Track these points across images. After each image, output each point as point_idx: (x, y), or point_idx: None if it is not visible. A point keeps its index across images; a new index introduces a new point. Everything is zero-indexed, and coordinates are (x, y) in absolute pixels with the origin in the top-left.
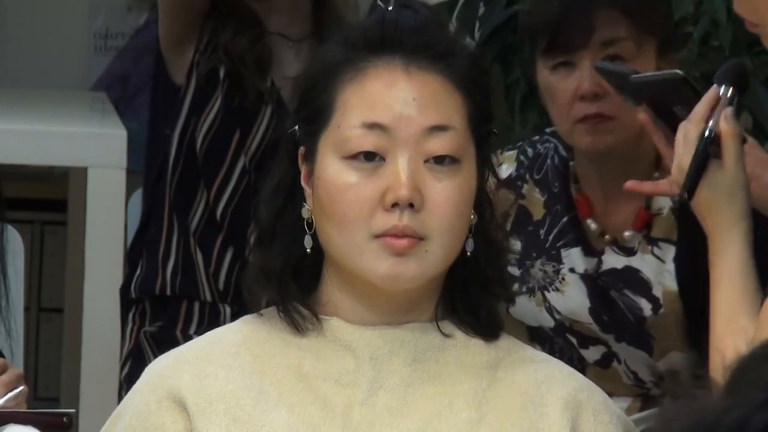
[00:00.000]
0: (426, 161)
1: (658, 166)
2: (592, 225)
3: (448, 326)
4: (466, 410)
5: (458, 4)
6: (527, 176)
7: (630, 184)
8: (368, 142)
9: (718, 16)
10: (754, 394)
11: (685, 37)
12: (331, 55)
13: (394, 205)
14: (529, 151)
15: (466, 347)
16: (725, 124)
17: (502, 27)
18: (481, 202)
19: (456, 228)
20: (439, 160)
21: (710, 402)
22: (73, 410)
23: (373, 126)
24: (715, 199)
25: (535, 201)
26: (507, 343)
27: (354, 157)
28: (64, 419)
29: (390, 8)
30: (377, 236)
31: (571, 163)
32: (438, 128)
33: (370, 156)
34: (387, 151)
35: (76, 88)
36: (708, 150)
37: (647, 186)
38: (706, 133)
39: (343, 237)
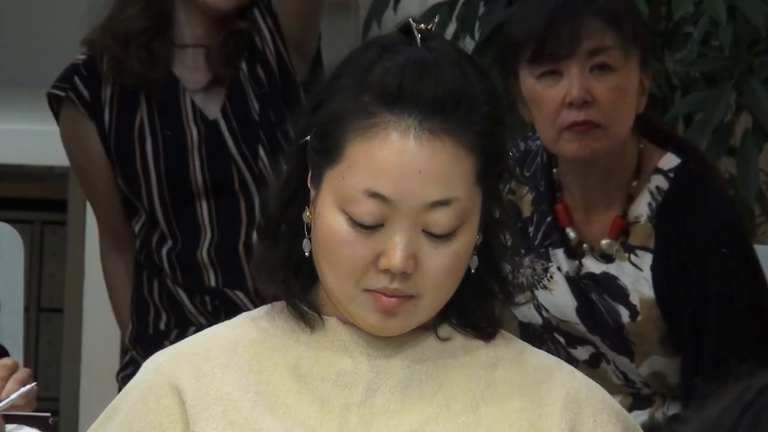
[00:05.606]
0: (424, 230)
1: (637, 176)
2: (571, 234)
3: (446, 328)
4: (463, 412)
5: (458, 4)
6: (516, 172)
7: None
8: (369, 208)
9: (718, 15)
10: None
11: (685, 37)
12: (344, 95)
13: (387, 269)
14: (521, 145)
15: (464, 348)
16: None
17: (502, 27)
18: (488, 224)
19: (449, 284)
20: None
21: (722, 413)
22: (48, 413)
23: (375, 195)
24: None
25: (524, 198)
26: (505, 342)
27: (353, 219)
28: (50, 421)
29: (411, 55)
30: (368, 290)
31: (554, 170)
32: (440, 203)
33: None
34: (386, 218)
35: None
36: None
37: None
38: None
39: (335, 281)
